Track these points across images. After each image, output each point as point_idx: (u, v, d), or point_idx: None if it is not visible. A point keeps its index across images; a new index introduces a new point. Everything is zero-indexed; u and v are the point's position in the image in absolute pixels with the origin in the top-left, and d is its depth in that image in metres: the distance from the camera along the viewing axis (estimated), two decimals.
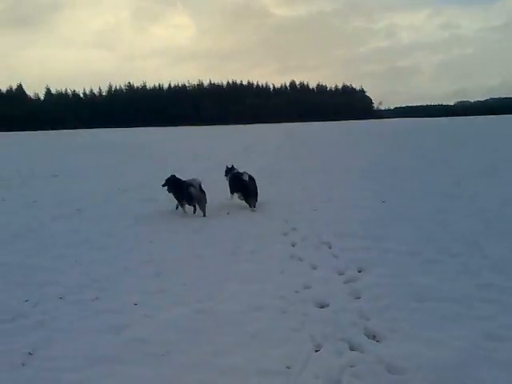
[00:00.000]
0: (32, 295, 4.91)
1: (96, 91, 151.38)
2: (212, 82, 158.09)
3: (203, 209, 8.87)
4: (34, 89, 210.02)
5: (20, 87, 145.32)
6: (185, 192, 8.79)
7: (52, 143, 42.63)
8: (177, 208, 9.20)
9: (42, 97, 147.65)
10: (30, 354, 3.63)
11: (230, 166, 10.17)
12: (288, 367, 3.41)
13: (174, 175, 9.35)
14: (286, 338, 3.86)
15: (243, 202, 9.35)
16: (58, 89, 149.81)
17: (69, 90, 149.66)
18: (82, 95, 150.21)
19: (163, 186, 9.29)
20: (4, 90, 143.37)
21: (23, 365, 3.50)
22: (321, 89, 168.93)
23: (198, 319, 4.30)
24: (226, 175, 10.07)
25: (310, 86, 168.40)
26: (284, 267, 5.70)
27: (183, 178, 9.19)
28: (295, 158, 20.44)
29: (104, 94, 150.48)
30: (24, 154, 27.37)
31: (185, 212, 9.07)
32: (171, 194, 9.24)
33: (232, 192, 9.83)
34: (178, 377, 3.31)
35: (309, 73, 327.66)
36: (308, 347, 3.68)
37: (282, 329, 4.02)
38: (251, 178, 9.34)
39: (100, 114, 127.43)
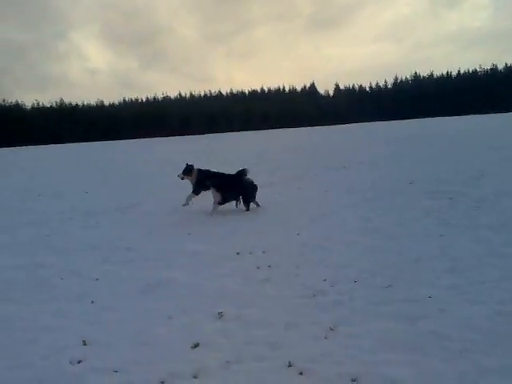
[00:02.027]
0: (329, 275, 5.31)
1: (382, 84, 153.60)
2: (508, 65, 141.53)
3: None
4: (325, 86, 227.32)
5: (313, 85, 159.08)
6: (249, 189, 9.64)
7: (339, 136, 45.14)
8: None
9: (331, 93, 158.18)
10: (331, 329, 3.94)
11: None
12: None
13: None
14: None
15: None
16: (346, 85, 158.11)
17: (356, 85, 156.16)
18: (367, 89, 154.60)
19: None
20: (299, 88, 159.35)
21: (326, 338, 3.81)
22: None
23: (499, 321, 3.93)
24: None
25: None
26: None
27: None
28: None
29: (389, 86, 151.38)
30: (315, 148, 29.72)
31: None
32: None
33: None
34: (481, 378, 3.09)
35: None
36: None
37: None
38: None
39: (385, 107, 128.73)
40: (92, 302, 4.93)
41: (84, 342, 3.95)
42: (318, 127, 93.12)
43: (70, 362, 3.63)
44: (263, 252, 6.47)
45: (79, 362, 3.64)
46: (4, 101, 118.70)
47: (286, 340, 3.81)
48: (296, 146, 33.36)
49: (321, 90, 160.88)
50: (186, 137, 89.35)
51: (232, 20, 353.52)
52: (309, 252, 6.35)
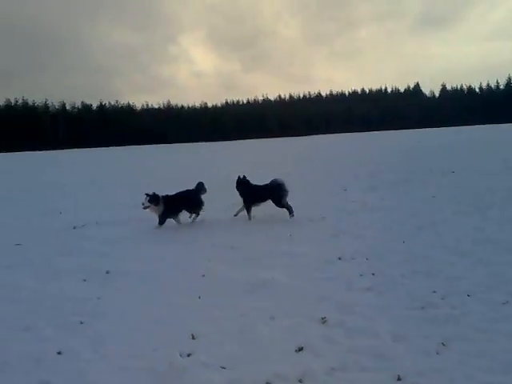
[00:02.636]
0: (439, 287, 5.03)
1: (493, 85, 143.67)
2: None
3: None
4: (431, 87, 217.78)
5: (417, 86, 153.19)
6: (276, 194, 9.42)
7: (446, 139, 42.86)
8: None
9: (437, 94, 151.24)
10: (443, 344, 3.72)
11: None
12: None
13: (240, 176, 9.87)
14: None
15: None
16: (454, 85, 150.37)
17: (464, 86, 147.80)
18: (477, 90, 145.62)
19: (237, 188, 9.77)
20: (402, 89, 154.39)
21: (437, 353, 3.61)
22: None
23: None
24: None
25: None
26: None
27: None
28: None
29: (502, 87, 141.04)
30: (420, 151, 28.45)
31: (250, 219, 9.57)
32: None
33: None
34: None
35: None
36: None
37: None
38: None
39: (496, 109, 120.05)
40: (199, 297, 5.12)
41: (192, 336, 4.11)
42: (421, 129, 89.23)
43: (180, 355, 3.79)
44: (366, 259, 6.31)
45: (188, 355, 3.79)
46: (117, 102, 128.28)
47: (393, 352, 3.67)
48: (399, 148, 32.24)
49: (425, 90, 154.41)
50: (285, 138, 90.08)
51: (336, 20, 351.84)
52: (416, 261, 6.06)
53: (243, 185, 9.79)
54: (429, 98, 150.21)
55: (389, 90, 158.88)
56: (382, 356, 3.61)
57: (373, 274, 5.64)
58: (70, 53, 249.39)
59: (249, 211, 9.67)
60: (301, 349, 3.79)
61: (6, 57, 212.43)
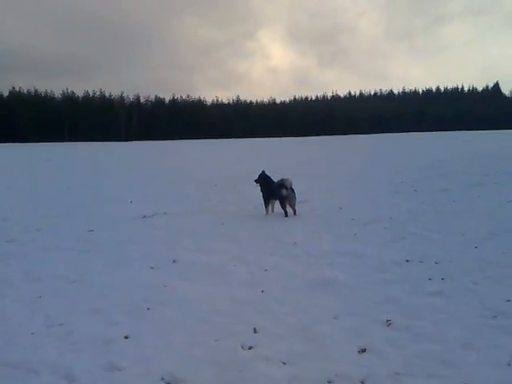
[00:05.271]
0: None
1: None
2: None
3: (293, 207, 9.62)
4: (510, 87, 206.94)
5: (496, 86, 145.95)
6: (277, 193, 9.43)
7: None
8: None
9: None
10: None
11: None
12: None
13: (264, 171, 10.01)
14: None
15: None
16: None
17: None
18: None
19: (256, 181, 9.98)
20: (480, 88, 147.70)
21: (509, 365, 3.41)
22: None
23: None
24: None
25: None
26: None
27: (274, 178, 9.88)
28: None
29: None
30: (497, 153, 26.99)
31: (266, 213, 9.83)
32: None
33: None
34: None
35: None
36: None
37: None
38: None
39: None
40: (262, 291, 5.15)
41: (254, 329, 4.14)
42: (499, 131, 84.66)
43: (242, 347, 3.83)
44: (435, 263, 6.07)
45: (250, 348, 3.82)
46: (188, 96, 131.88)
47: (462, 360, 3.50)
48: (474, 149, 30.74)
49: (505, 91, 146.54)
50: (351, 136, 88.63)
51: (423, 16, 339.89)
52: (489, 268, 5.75)
53: (262, 180, 9.97)
54: (508, 98, 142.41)
55: (465, 89, 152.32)
56: (450, 364, 3.46)
57: (442, 279, 5.41)
58: (153, 48, 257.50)
59: (266, 205, 9.87)
60: (364, 350, 3.72)
61: (90, 50, 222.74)
